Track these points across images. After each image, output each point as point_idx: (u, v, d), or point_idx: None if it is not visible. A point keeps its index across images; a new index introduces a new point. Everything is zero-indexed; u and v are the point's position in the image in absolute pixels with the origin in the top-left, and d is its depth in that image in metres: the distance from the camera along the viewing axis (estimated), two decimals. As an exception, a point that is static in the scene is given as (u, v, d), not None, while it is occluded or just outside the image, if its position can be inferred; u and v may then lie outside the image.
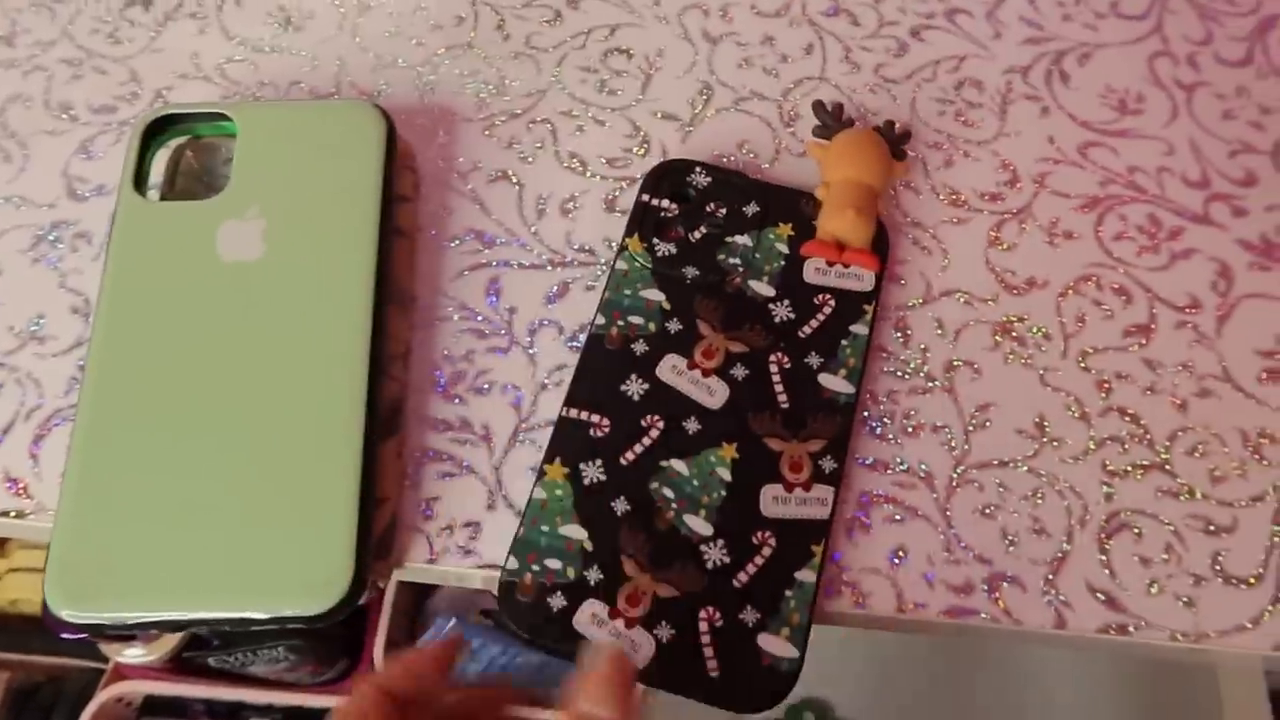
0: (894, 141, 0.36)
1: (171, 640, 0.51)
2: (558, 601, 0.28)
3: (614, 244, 0.35)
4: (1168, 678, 0.47)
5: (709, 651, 0.28)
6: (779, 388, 0.31)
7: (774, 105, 0.39)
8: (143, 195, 0.33)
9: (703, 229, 0.34)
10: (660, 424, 0.31)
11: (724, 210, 0.34)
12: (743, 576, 0.29)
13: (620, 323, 0.32)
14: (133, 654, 0.51)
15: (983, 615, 0.30)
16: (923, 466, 0.32)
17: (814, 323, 0.33)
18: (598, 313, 0.32)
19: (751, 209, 0.34)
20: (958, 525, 0.31)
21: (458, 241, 0.36)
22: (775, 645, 0.28)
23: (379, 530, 0.30)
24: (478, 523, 0.31)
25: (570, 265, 0.35)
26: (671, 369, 0.31)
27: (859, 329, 0.33)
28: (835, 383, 0.32)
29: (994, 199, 0.37)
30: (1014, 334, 0.35)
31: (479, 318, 0.34)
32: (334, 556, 0.28)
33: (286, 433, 0.29)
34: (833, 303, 0.33)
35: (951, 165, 0.38)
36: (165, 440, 0.29)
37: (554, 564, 0.29)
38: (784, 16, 0.41)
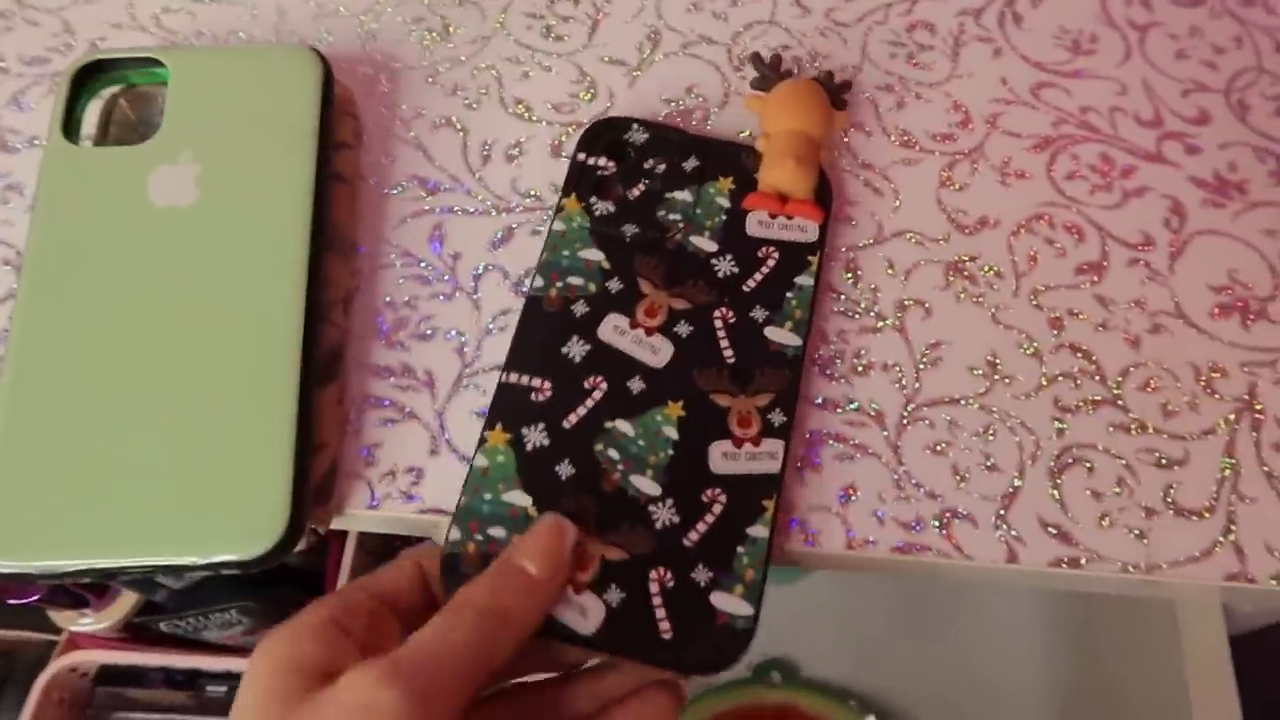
0: (834, 91, 0.35)
1: (124, 606, 0.50)
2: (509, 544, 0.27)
3: (560, 189, 0.35)
4: (1127, 623, 0.47)
5: (661, 613, 0.27)
6: (724, 343, 0.31)
7: (723, 49, 0.38)
8: (74, 144, 0.32)
9: (641, 186, 0.33)
10: (604, 385, 0.30)
11: (663, 166, 0.33)
12: (693, 535, 0.28)
13: (559, 284, 0.31)
14: (84, 622, 0.50)
15: (934, 551, 0.30)
16: (873, 405, 0.32)
17: (758, 276, 0.32)
18: (535, 275, 0.31)
19: (691, 164, 0.33)
20: (909, 462, 0.31)
21: (400, 189, 0.35)
22: (729, 603, 0.27)
23: (318, 476, 0.29)
24: (420, 468, 0.31)
25: (515, 211, 0.35)
26: (614, 329, 0.31)
27: (804, 280, 0.32)
28: (782, 335, 0.31)
29: (946, 140, 0.37)
30: (965, 273, 0.34)
31: (422, 264, 0.34)
32: (269, 501, 0.27)
33: (221, 379, 0.29)
34: (777, 255, 0.32)
35: (903, 107, 0.37)
36: (96, 387, 0.28)
37: (498, 532, 0.28)
38: (734, -39, 0.40)
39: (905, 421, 0.32)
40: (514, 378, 0.30)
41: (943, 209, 0.35)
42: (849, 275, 0.34)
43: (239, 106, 0.32)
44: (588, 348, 0.30)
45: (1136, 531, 0.31)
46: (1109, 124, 0.37)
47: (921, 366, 0.33)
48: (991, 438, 0.32)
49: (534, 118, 0.36)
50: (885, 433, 0.32)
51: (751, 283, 0.32)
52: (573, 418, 0.29)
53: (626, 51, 0.38)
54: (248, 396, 0.29)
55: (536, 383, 0.30)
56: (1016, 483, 0.31)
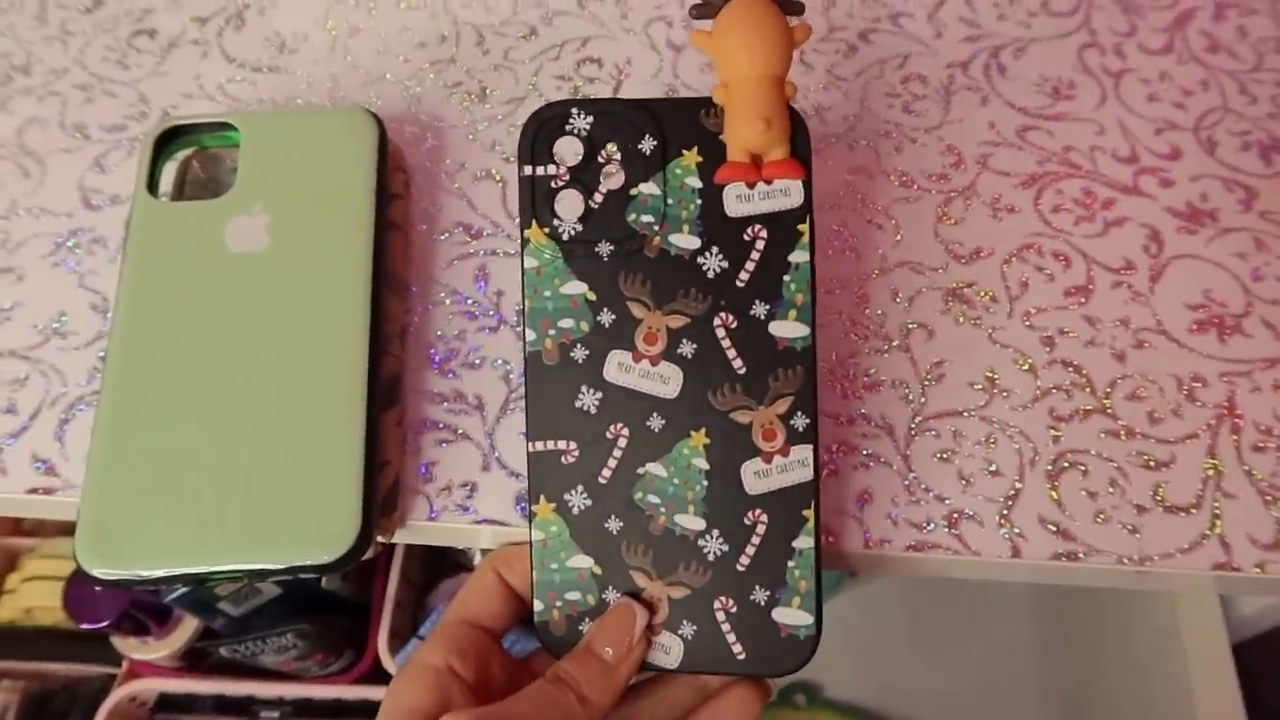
0: None
1: (183, 634, 0.53)
2: (588, 627, 0.30)
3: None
4: (1131, 633, 0.50)
5: (731, 637, 0.30)
6: (731, 353, 0.30)
7: (735, 103, 0.42)
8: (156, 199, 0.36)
9: (602, 190, 0.30)
10: (625, 431, 0.30)
11: (619, 154, 0.30)
12: (744, 560, 0.30)
13: (551, 332, 0.30)
14: (146, 649, 0.53)
15: (944, 549, 0.33)
16: (884, 418, 0.35)
17: (750, 265, 0.30)
18: (526, 328, 0.30)
19: (648, 145, 0.30)
20: (918, 469, 0.34)
21: (447, 235, 0.39)
22: (790, 616, 0.29)
23: (383, 490, 0.33)
24: (474, 483, 0.34)
25: (552, 251, 0.38)
26: (618, 367, 0.30)
27: (798, 257, 0.30)
28: (788, 329, 0.30)
29: (940, 179, 0.40)
30: (963, 298, 0.37)
31: (469, 301, 0.37)
32: (342, 511, 0.30)
33: (295, 405, 0.32)
34: (764, 233, 0.30)
35: (901, 151, 0.41)
36: (183, 414, 0.32)
37: (573, 596, 0.30)
38: (742, 24, 0.44)
39: (913, 432, 0.35)
40: (540, 445, 0.30)
41: (940, 241, 0.39)
42: (858, 302, 0.37)
43: (304, 163, 0.36)
44: (599, 395, 0.30)
45: (1129, 527, 0.33)
46: (1089, 161, 0.41)
47: (926, 383, 0.36)
48: (993, 445, 0.35)
49: (566, 168, 0.40)
50: (895, 442, 0.35)
51: (745, 275, 0.30)
52: (606, 472, 0.30)
53: (647, 107, 0.42)
54: (320, 420, 0.32)
55: (563, 445, 0.30)
56: (1017, 485, 0.34)
